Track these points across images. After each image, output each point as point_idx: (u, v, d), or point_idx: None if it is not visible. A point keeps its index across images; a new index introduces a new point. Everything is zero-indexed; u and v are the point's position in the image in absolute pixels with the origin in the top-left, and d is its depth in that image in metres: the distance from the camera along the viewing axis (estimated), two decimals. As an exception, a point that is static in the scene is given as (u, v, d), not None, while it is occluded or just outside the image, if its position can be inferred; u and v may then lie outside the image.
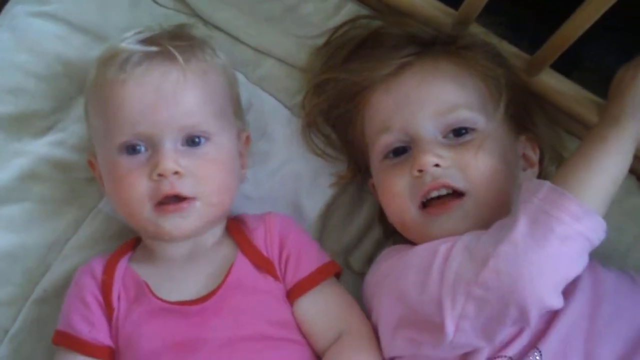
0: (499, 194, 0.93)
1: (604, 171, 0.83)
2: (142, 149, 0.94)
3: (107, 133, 0.95)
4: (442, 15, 1.06)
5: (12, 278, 1.08)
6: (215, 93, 0.98)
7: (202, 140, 0.95)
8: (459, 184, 0.91)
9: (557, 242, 0.79)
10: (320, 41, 1.11)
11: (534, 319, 0.80)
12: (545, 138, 1.03)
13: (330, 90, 1.05)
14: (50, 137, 1.11)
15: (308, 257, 0.98)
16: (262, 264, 0.96)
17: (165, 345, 0.92)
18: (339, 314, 0.96)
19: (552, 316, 0.87)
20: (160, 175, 0.92)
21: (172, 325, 0.93)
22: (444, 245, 0.86)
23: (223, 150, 0.97)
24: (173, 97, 0.93)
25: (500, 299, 0.79)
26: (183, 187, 0.93)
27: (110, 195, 0.98)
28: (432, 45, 1.00)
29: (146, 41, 0.96)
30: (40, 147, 1.10)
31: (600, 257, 1.01)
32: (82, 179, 1.11)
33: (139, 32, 1.00)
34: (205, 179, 0.94)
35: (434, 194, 0.92)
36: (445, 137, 0.94)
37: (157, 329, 0.93)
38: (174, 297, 0.95)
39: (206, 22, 1.15)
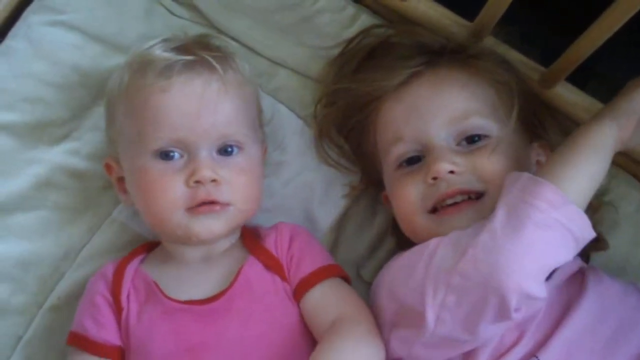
0: None
1: (581, 165, 0.84)
2: (177, 155, 0.94)
3: (142, 138, 0.95)
4: (457, 27, 1.06)
5: (26, 285, 1.08)
6: (249, 104, 1.01)
7: (235, 150, 0.97)
8: (474, 186, 0.92)
9: (534, 228, 0.79)
10: (335, 52, 1.11)
11: (517, 314, 0.79)
12: (557, 145, 1.04)
13: (341, 100, 1.05)
14: (66, 146, 1.11)
15: (314, 256, 0.99)
16: (272, 264, 0.97)
17: (176, 345, 0.93)
18: (341, 305, 0.95)
19: (554, 325, 0.87)
20: (197, 182, 0.93)
21: (182, 325, 0.94)
22: (434, 240, 0.87)
23: (253, 161, 0.99)
24: (214, 106, 0.95)
25: (479, 287, 0.79)
26: (219, 195, 0.94)
27: (139, 199, 0.98)
28: (442, 54, 1.00)
29: (180, 50, 0.97)
30: (56, 156, 1.11)
31: (614, 270, 1.03)
32: (97, 188, 1.12)
33: (168, 40, 1.01)
34: (237, 187, 0.96)
35: (449, 201, 0.92)
36: (458, 144, 0.94)
37: (167, 328, 0.94)
38: (184, 297, 0.95)
39: (221, 33, 1.15)
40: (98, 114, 1.12)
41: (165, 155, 0.94)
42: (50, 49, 1.12)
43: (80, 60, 1.12)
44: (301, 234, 1.01)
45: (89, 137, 1.12)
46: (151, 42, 1.01)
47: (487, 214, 0.85)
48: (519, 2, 0.96)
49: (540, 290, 0.80)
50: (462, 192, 0.92)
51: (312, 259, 0.98)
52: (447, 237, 0.86)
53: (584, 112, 1.05)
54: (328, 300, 0.95)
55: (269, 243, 0.99)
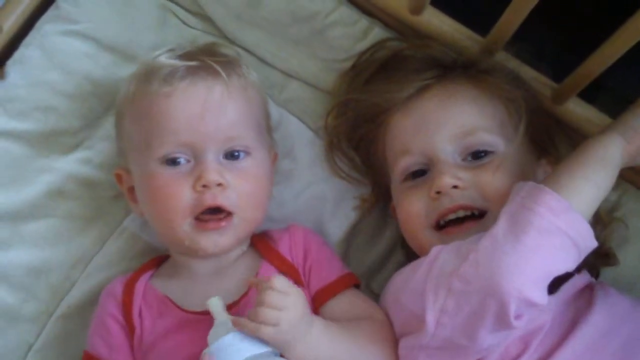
0: None
1: (586, 176, 0.85)
2: (183, 160, 0.95)
3: (148, 144, 0.95)
4: (470, 42, 1.06)
5: (37, 294, 1.09)
6: (254, 109, 1.01)
7: (242, 154, 0.97)
8: (477, 203, 0.92)
9: (535, 234, 0.79)
10: (347, 65, 1.11)
11: (517, 321, 0.79)
12: None
13: (351, 112, 1.06)
14: (78, 155, 1.12)
15: (332, 265, 0.99)
16: (288, 270, 0.97)
17: (194, 355, 0.91)
18: (364, 309, 0.96)
19: (560, 339, 0.87)
20: (204, 186, 0.93)
21: (200, 335, 0.92)
22: (437, 247, 0.87)
23: (260, 166, 0.99)
24: (218, 109, 0.95)
25: (479, 291, 0.80)
26: (225, 200, 0.94)
27: (147, 207, 0.99)
28: (453, 68, 1.00)
29: (184, 56, 0.98)
30: (68, 165, 1.11)
31: (624, 285, 1.03)
32: (108, 197, 1.12)
33: (172, 50, 1.01)
34: (244, 193, 0.96)
35: (452, 216, 0.93)
36: (464, 159, 0.94)
37: (186, 338, 0.93)
38: (199, 309, 0.95)
39: (233, 44, 1.15)
40: (110, 124, 1.12)
41: (172, 161, 0.94)
42: (63, 58, 1.12)
43: (93, 70, 1.13)
44: (314, 240, 1.02)
45: (101, 146, 1.13)
46: (157, 52, 1.02)
47: None
48: (531, 18, 0.96)
49: (541, 296, 0.80)
50: (464, 208, 0.92)
51: (332, 268, 0.98)
52: (449, 245, 0.87)
53: (596, 129, 1.04)
54: (352, 306, 0.95)
55: (283, 248, 0.99)
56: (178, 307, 0.96)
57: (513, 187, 0.87)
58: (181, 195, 0.93)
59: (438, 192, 0.92)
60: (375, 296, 1.07)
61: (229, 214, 0.95)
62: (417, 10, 1.06)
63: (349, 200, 1.12)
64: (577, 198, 0.83)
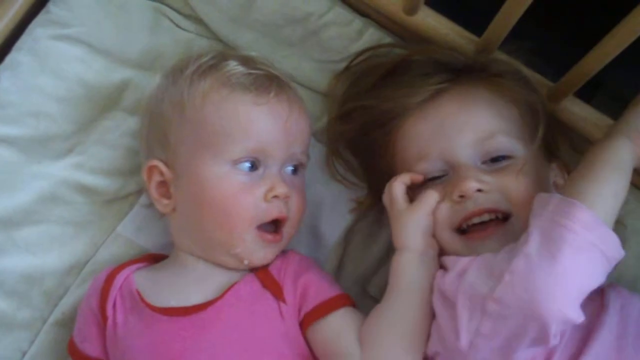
0: None
1: (604, 185, 0.83)
2: (255, 167, 0.96)
3: (222, 146, 0.94)
4: (465, 41, 1.06)
5: (31, 300, 1.08)
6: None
7: (300, 169, 1.01)
8: (501, 206, 0.91)
9: (570, 252, 0.78)
10: (342, 66, 1.11)
11: (555, 339, 0.78)
12: (570, 165, 1.03)
13: (359, 118, 1.04)
14: (70, 160, 1.11)
15: (327, 286, 0.97)
16: (270, 285, 0.96)
17: (155, 356, 0.92)
18: (346, 344, 0.93)
19: (581, 343, 0.86)
20: (275, 196, 0.95)
21: (163, 335, 0.93)
22: (464, 259, 0.86)
23: (304, 180, 1.03)
24: (296, 124, 0.98)
25: (518, 314, 0.78)
26: (287, 211, 0.97)
27: (200, 207, 0.96)
28: (464, 71, 0.99)
29: (253, 66, 0.99)
30: (60, 170, 1.10)
31: (622, 285, 1.01)
32: (101, 202, 1.11)
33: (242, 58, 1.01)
34: (298, 208, 0.99)
35: (476, 220, 0.92)
36: (483, 162, 0.94)
37: (148, 339, 0.93)
38: (170, 304, 0.95)
39: (227, 46, 1.15)
40: (103, 128, 1.12)
41: (246, 165, 0.95)
42: (55, 62, 1.11)
43: (86, 74, 1.12)
44: (310, 265, 1.00)
45: (94, 150, 1.12)
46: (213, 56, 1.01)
47: (515, 237, 0.84)
48: (527, 16, 0.95)
49: (579, 314, 0.78)
50: (489, 211, 0.91)
51: (326, 288, 0.96)
52: (477, 260, 0.85)
53: (592, 127, 1.04)
54: (349, 326, 0.93)
55: (273, 266, 0.99)
56: (145, 302, 0.96)
57: (536, 199, 0.85)
58: (251, 202, 0.94)
59: (462, 196, 0.91)
60: (372, 299, 1.08)
61: (280, 227, 0.97)
62: (411, 10, 1.05)
63: (344, 203, 1.11)
64: (601, 209, 0.81)
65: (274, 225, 0.98)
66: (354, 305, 0.97)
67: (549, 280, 0.77)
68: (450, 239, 0.93)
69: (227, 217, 0.94)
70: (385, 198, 0.98)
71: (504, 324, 0.79)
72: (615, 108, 1.04)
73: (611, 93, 1.20)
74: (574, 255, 0.78)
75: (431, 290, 0.90)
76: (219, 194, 0.94)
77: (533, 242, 0.80)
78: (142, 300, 0.96)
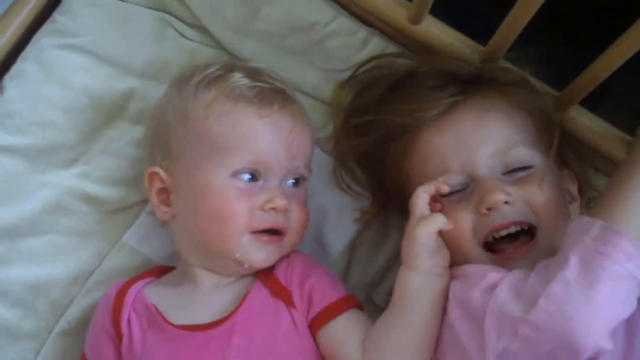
0: (563, 225, 0.92)
1: (637, 209, 0.81)
2: (255, 178, 0.96)
3: (224, 156, 0.95)
4: (470, 50, 1.05)
5: (37, 310, 1.08)
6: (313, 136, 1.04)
7: (301, 182, 1.00)
8: (528, 217, 0.91)
9: (610, 282, 0.77)
10: (346, 75, 1.11)
11: None
12: (578, 173, 1.03)
13: (371, 132, 1.03)
14: (76, 170, 1.11)
15: (334, 287, 0.97)
16: (279, 292, 0.96)
17: None
18: (349, 349, 0.93)
19: (628, 350, 0.85)
20: (273, 208, 0.95)
21: (182, 352, 0.93)
22: (493, 274, 0.85)
23: (306, 193, 1.02)
24: (300, 138, 0.98)
25: (552, 340, 0.77)
26: (284, 223, 0.97)
27: (199, 214, 0.96)
28: (474, 82, 0.99)
29: (258, 79, 0.99)
30: (66, 179, 1.10)
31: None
32: (106, 212, 1.11)
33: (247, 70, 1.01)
34: (299, 219, 0.99)
35: (503, 232, 0.91)
36: (503, 174, 0.93)
37: (167, 355, 0.93)
38: (186, 321, 0.95)
39: (232, 55, 1.15)
40: (108, 137, 1.12)
41: (246, 176, 0.95)
42: (60, 72, 1.12)
43: (91, 83, 1.12)
44: (315, 265, 1.00)
45: (99, 160, 1.12)
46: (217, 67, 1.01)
47: (545, 251, 0.84)
48: (532, 25, 0.95)
49: (610, 343, 0.77)
50: (516, 224, 0.91)
51: (333, 290, 0.96)
52: (507, 278, 0.83)
53: (598, 137, 1.04)
54: (358, 327, 0.94)
55: (278, 269, 0.99)
56: (165, 319, 0.95)
57: (575, 222, 0.83)
58: (245, 208, 0.94)
59: (489, 209, 0.91)
60: (377, 308, 1.07)
61: (281, 234, 0.97)
62: (416, 19, 1.05)
63: (349, 213, 1.11)
64: (635, 234, 0.79)
65: (271, 234, 0.97)
66: (358, 305, 0.97)
67: (587, 310, 0.76)
68: (477, 254, 0.92)
69: (222, 223, 0.94)
70: (410, 206, 0.95)
71: (534, 348, 0.78)
72: (621, 117, 1.04)
73: (617, 102, 1.19)
74: (612, 285, 0.77)
75: (434, 307, 0.89)
76: (216, 201, 0.94)
77: (572, 269, 0.78)
78: (160, 314, 0.96)
